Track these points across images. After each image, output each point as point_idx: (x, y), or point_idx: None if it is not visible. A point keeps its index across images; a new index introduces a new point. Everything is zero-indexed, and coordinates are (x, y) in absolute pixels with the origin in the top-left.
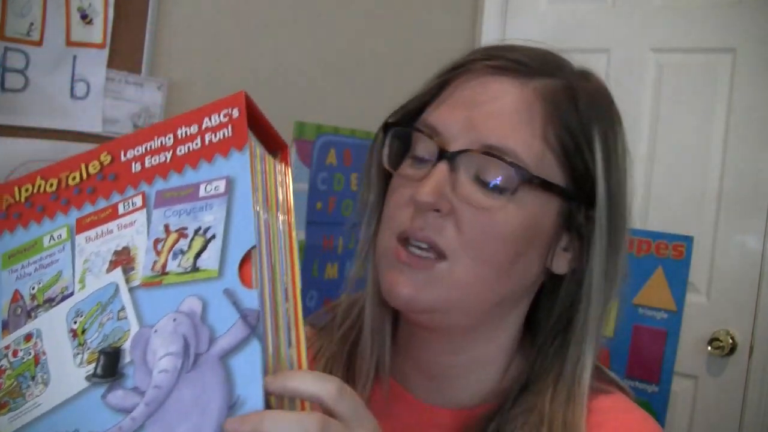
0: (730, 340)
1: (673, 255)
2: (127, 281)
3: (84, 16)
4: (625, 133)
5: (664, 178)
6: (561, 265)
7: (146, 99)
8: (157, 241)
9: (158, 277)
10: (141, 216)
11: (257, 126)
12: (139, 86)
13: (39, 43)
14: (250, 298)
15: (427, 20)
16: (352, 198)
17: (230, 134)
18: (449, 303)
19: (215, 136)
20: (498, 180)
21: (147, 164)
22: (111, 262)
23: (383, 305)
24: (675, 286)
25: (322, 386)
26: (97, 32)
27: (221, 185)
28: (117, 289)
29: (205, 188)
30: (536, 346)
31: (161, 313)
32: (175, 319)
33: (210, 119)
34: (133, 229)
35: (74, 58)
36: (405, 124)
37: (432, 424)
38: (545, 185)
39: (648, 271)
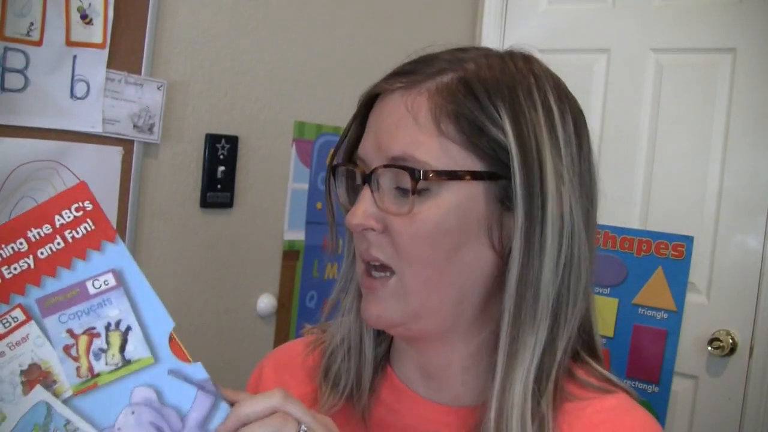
0: (730, 340)
1: (673, 255)
2: (56, 395)
3: (84, 16)
4: (559, 93)
5: (664, 178)
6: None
7: (146, 99)
8: (67, 348)
9: (90, 381)
10: (31, 328)
11: None
12: (139, 86)
13: (39, 43)
14: (197, 371)
15: (427, 20)
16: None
17: (93, 228)
18: (411, 313)
19: (77, 232)
20: (407, 184)
21: (7, 274)
22: (23, 383)
23: (362, 320)
24: (675, 286)
25: (269, 400)
26: (97, 32)
27: (110, 279)
28: (49, 407)
29: (93, 285)
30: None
31: (113, 411)
32: (133, 412)
33: (62, 216)
34: (29, 344)
35: (74, 58)
36: (345, 160)
37: (436, 421)
38: (448, 174)
39: (648, 271)
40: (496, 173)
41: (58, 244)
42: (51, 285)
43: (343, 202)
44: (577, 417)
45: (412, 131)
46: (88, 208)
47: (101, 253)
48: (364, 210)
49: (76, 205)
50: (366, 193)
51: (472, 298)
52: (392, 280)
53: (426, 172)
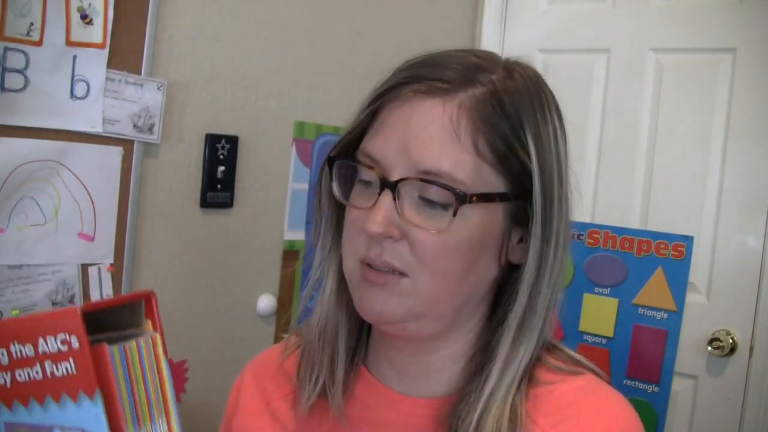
0: (730, 340)
1: (673, 255)
2: None
3: (84, 16)
4: (558, 110)
5: (664, 178)
6: (517, 256)
7: (146, 99)
8: None
9: None
10: None
11: (107, 306)
12: (139, 86)
13: (39, 43)
14: None
15: (427, 20)
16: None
17: (74, 371)
18: (416, 314)
19: (57, 368)
20: (439, 201)
21: None
22: None
23: (339, 314)
24: (675, 286)
25: None
26: (97, 32)
27: None
28: None
29: None
30: (492, 333)
31: None
32: None
33: (46, 342)
34: None
35: (74, 58)
36: (347, 155)
37: (408, 413)
38: (484, 197)
39: (648, 271)
40: (517, 194)
41: (37, 373)
42: (22, 414)
43: (338, 196)
44: (544, 401)
45: (455, 149)
46: (74, 346)
47: (77, 406)
48: (384, 217)
49: (62, 337)
50: (386, 199)
51: (470, 305)
52: (404, 281)
53: (471, 196)
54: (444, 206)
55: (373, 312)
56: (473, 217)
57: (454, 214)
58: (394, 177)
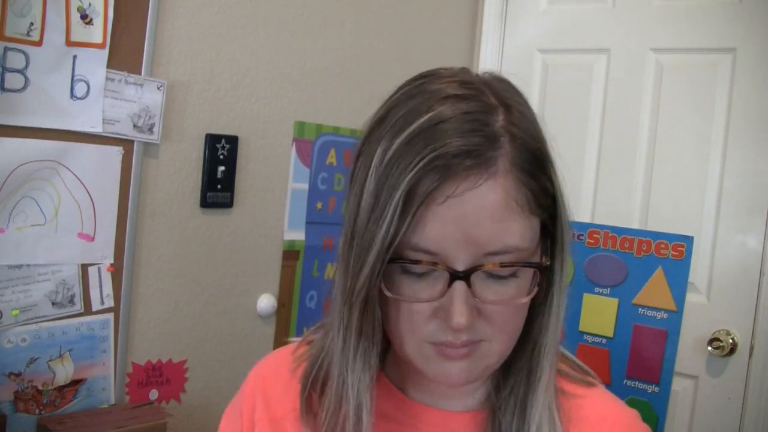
0: (730, 340)
1: (673, 255)
2: None
3: (84, 16)
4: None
5: (664, 178)
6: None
7: (146, 99)
8: None
9: None
10: None
11: None
12: (139, 86)
13: (39, 43)
14: None
15: (427, 20)
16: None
17: None
18: (492, 368)
19: None
20: (508, 274)
21: None
22: None
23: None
24: (675, 286)
25: None
26: (97, 32)
27: None
28: None
29: None
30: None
31: None
32: None
33: None
34: None
35: (74, 58)
36: (392, 253)
37: (446, 427)
38: (543, 250)
39: (648, 271)
40: (545, 222)
41: None
42: None
43: (391, 296)
44: (577, 416)
45: (512, 218)
46: None
47: None
48: (467, 309)
49: None
50: (461, 289)
51: None
52: (483, 344)
53: (534, 263)
54: (513, 275)
55: (459, 383)
56: (528, 271)
57: (538, 285)
58: (459, 265)
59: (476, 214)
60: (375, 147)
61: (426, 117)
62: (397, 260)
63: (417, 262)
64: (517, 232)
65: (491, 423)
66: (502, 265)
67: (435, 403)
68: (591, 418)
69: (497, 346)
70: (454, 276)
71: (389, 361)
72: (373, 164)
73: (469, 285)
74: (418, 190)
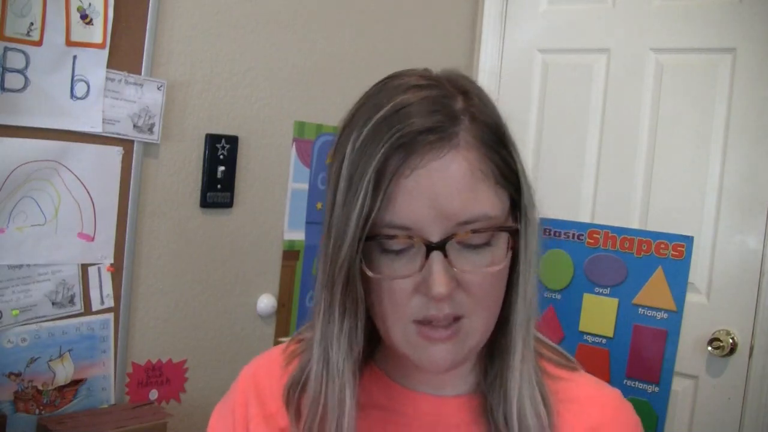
0: (730, 340)
1: (673, 255)
2: None
3: (84, 16)
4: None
5: (664, 178)
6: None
7: (146, 99)
8: None
9: None
10: None
11: None
12: (139, 86)
13: (39, 43)
14: None
15: (427, 20)
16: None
17: None
18: (474, 350)
19: None
20: (482, 242)
21: None
22: None
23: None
24: (675, 286)
25: None
26: (97, 32)
27: None
28: None
29: None
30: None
31: None
32: None
33: None
34: None
35: (74, 58)
36: (368, 231)
37: (440, 413)
38: (513, 218)
39: (648, 271)
40: (517, 199)
41: None
42: None
43: (373, 275)
44: (567, 398)
45: (479, 188)
46: None
47: None
48: (445, 277)
49: None
50: (438, 259)
51: None
52: (464, 322)
53: (504, 226)
54: (487, 244)
55: (444, 367)
56: (503, 239)
57: (510, 249)
58: (434, 237)
59: (444, 185)
60: (346, 141)
61: (390, 105)
62: (375, 237)
63: (392, 237)
64: (486, 201)
65: (482, 406)
66: (474, 231)
67: (427, 390)
68: (580, 398)
69: (478, 323)
70: (430, 247)
71: (380, 352)
72: (345, 155)
73: (445, 255)
74: (387, 168)
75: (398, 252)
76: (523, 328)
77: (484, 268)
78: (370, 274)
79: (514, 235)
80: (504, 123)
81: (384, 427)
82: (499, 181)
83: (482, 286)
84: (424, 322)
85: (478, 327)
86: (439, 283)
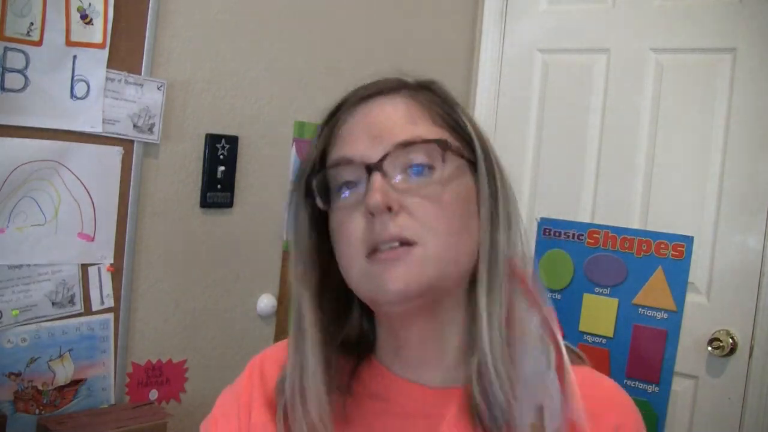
0: (730, 340)
1: (673, 255)
2: None
3: (84, 16)
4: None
5: (664, 178)
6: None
7: (146, 99)
8: None
9: None
10: None
11: None
12: (139, 86)
13: (39, 43)
14: None
15: (427, 20)
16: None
17: None
18: (434, 278)
19: None
20: (424, 162)
21: None
22: None
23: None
24: (675, 286)
25: None
26: (97, 32)
27: None
28: None
29: None
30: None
31: None
32: None
33: None
34: None
35: (74, 58)
36: (319, 172)
37: (427, 403)
38: (456, 149)
39: (648, 271)
40: (470, 156)
41: None
42: None
43: (323, 206)
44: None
45: (419, 124)
46: None
47: None
48: (381, 191)
49: None
50: (376, 178)
51: (466, 276)
52: (416, 249)
53: (445, 142)
54: (429, 167)
55: (399, 290)
56: (450, 173)
57: (443, 160)
58: (374, 159)
59: (382, 117)
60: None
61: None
62: (326, 169)
63: (337, 164)
64: (424, 130)
65: (469, 394)
66: (403, 144)
67: (419, 379)
68: (583, 386)
69: (431, 249)
70: (369, 168)
71: (378, 344)
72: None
73: (384, 174)
74: (338, 121)
75: (349, 185)
76: (488, 284)
77: (423, 188)
78: (319, 204)
79: (446, 147)
80: (453, 97)
81: (377, 415)
82: (438, 123)
83: (427, 209)
84: (375, 251)
85: (433, 255)
86: (371, 196)
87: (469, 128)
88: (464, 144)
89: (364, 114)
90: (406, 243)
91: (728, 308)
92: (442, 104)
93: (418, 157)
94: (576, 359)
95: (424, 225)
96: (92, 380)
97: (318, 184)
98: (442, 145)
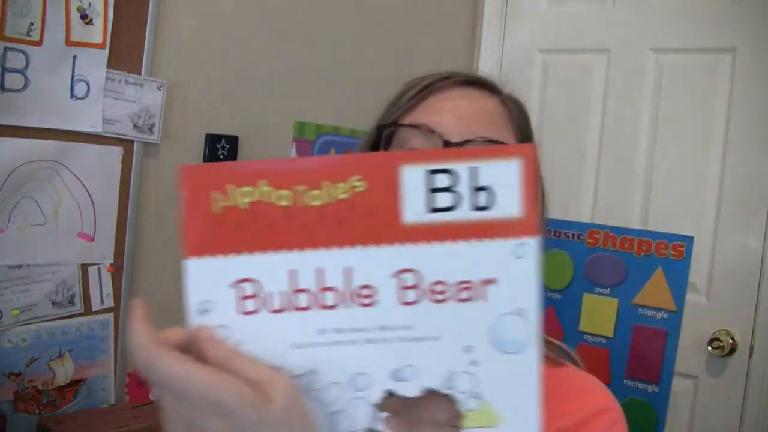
0: (730, 340)
1: (673, 255)
2: None
3: (84, 16)
4: None
5: (664, 178)
6: None
7: (146, 99)
8: None
9: None
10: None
11: None
12: (139, 86)
13: (39, 43)
14: None
15: (427, 20)
16: None
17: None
18: None
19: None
20: None
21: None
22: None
23: None
24: (675, 286)
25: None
26: (97, 32)
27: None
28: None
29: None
30: None
31: None
32: None
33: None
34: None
35: (74, 58)
36: (394, 125)
37: None
38: None
39: (648, 271)
40: None
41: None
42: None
43: None
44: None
45: (504, 129)
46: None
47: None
48: None
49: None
50: None
51: None
52: None
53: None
54: None
55: None
56: None
57: None
58: (454, 138)
59: (474, 107)
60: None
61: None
62: (401, 126)
63: (415, 127)
64: (504, 136)
65: None
66: (489, 140)
67: None
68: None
69: None
70: (447, 145)
71: None
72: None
73: None
74: (429, 92)
75: None
76: None
77: None
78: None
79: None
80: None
81: None
82: (518, 140)
83: None
84: None
85: None
86: None
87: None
88: None
89: (458, 96)
90: None
91: (728, 308)
92: (525, 128)
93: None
94: (558, 361)
95: None
96: (92, 380)
97: (387, 134)
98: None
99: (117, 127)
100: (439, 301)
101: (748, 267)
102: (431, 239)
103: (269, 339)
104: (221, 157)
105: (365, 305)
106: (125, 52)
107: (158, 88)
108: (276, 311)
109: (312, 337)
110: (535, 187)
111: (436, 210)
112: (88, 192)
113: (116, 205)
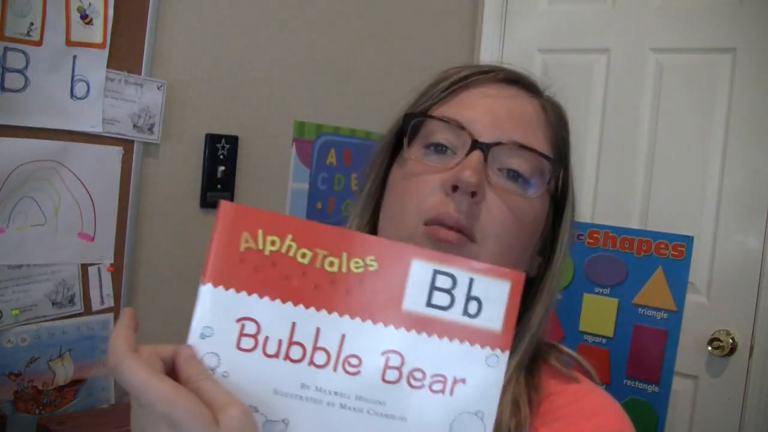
0: (730, 340)
1: (673, 255)
2: None
3: (84, 16)
4: None
5: (664, 178)
6: (533, 268)
7: (146, 99)
8: None
9: None
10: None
11: None
12: (139, 86)
13: (39, 43)
14: None
15: (427, 20)
16: (352, 198)
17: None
18: None
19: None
20: (525, 171)
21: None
22: None
23: None
24: (675, 286)
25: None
26: (97, 32)
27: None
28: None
29: None
30: None
31: None
32: None
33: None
34: None
35: (74, 58)
36: (423, 115)
37: None
38: (555, 180)
39: (648, 271)
40: (558, 199)
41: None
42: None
43: (408, 148)
44: (540, 406)
45: (540, 134)
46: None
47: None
48: (478, 172)
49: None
50: (478, 156)
51: None
52: (472, 246)
53: (557, 167)
54: (525, 180)
55: None
56: (539, 198)
57: (549, 182)
58: (484, 138)
59: (512, 107)
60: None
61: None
62: (429, 117)
63: (445, 120)
64: (542, 143)
65: None
66: (521, 146)
67: None
68: (552, 404)
69: (485, 254)
70: (476, 144)
71: None
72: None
73: (486, 159)
74: (466, 86)
75: (439, 150)
76: (534, 326)
77: (511, 196)
78: (405, 143)
79: (554, 195)
80: (569, 142)
81: None
82: (553, 147)
83: (505, 216)
84: (434, 222)
85: (483, 260)
86: (468, 172)
87: (570, 173)
88: (560, 181)
89: (495, 94)
90: (468, 235)
91: (728, 308)
92: (563, 135)
93: (524, 165)
94: (570, 374)
95: (494, 229)
96: (92, 380)
97: (414, 125)
98: (553, 169)
99: (117, 127)
100: (414, 387)
101: (748, 267)
102: (422, 330)
103: (255, 379)
104: (221, 157)
105: (350, 373)
106: (125, 52)
107: (158, 88)
108: (269, 356)
109: (294, 389)
110: (516, 309)
111: (432, 306)
112: (88, 192)
113: (116, 205)
